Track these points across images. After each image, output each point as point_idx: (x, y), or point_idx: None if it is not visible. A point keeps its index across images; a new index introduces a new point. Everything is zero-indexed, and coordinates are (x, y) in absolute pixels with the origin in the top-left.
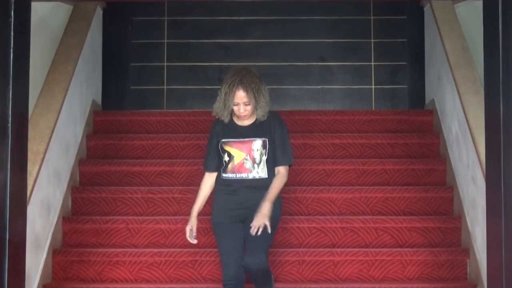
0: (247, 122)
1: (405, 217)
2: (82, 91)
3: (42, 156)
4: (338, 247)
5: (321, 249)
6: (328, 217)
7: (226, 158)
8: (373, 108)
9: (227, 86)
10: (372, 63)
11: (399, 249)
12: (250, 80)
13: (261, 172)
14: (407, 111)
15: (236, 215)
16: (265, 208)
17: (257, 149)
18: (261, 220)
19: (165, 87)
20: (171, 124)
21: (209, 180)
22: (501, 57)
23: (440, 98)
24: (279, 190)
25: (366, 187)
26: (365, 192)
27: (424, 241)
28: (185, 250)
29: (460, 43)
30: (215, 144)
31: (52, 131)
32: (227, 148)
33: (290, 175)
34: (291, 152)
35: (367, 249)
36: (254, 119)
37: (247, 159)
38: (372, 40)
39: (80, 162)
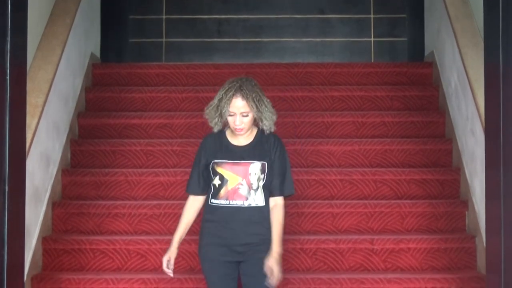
0: (243, 142)
1: (404, 169)
2: (81, 44)
3: (40, 109)
4: (337, 199)
5: (320, 201)
6: (327, 169)
7: (217, 181)
8: (372, 61)
9: (223, 92)
10: (372, 16)
11: (398, 201)
12: (250, 89)
13: (257, 199)
14: (406, 64)
15: (229, 253)
16: (276, 255)
17: (255, 173)
18: (275, 267)
19: (164, 39)
20: (170, 76)
21: (193, 205)
22: (500, 9)
23: (440, 51)
24: (282, 224)
25: (365, 139)
26: (364, 144)
27: (423, 193)
28: (184, 202)
29: None
30: (204, 164)
31: (51, 84)
32: (220, 170)
33: (289, 127)
34: (292, 181)
35: (366, 201)
36: (252, 139)
37: (243, 184)
38: None
39: (79, 115)
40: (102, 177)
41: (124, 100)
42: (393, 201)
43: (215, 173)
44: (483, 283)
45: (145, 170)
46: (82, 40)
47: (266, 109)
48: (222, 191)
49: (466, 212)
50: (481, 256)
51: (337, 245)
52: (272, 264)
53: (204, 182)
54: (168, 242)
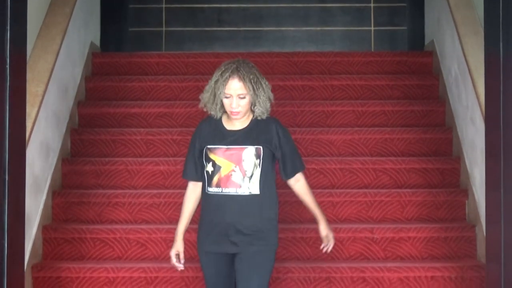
0: (238, 126)
1: (404, 158)
2: (81, 33)
3: (40, 98)
4: (337, 188)
5: (320, 190)
6: (327, 158)
7: (210, 168)
8: (373, 50)
9: (219, 73)
10: (372, 5)
11: (398, 190)
12: (248, 70)
13: (252, 187)
14: (407, 53)
15: (224, 244)
16: (323, 220)
17: (249, 159)
18: (332, 241)
19: (163, 29)
20: (170, 66)
21: (193, 192)
22: None
23: (440, 40)
24: (312, 194)
25: (365, 128)
26: (364, 134)
27: (423, 182)
28: (185, 191)
29: None
30: (198, 149)
31: (51, 73)
32: (212, 156)
33: (289, 116)
34: (300, 157)
35: (366, 190)
36: (248, 123)
37: (236, 170)
38: None
39: (79, 104)
40: (102, 166)
41: (124, 89)
42: (393, 190)
43: (208, 159)
44: (483, 272)
45: (145, 159)
46: (82, 29)
47: (263, 93)
48: (215, 178)
49: (466, 201)
50: (481, 245)
51: (337, 234)
52: (327, 232)
53: (201, 168)
54: (169, 231)
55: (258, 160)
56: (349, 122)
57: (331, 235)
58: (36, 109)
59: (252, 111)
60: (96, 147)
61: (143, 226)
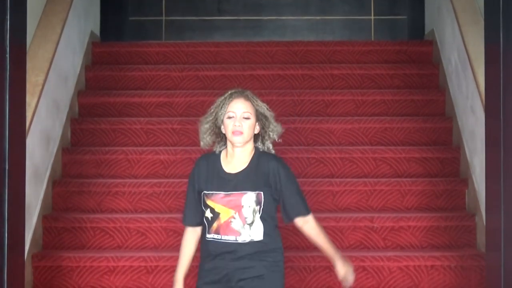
0: (237, 167)
1: (404, 147)
2: (81, 22)
3: (40, 87)
4: (337, 177)
5: (320, 179)
6: (327, 147)
7: (208, 214)
8: (373, 39)
9: (223, 97)
10: None
11: (397, 179)
12: (255, 96)
13: (254, 234)
14: (407, 42)
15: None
16: (345, 265)
17: (249, 206)
18: (351, 277)
19: (163, 18)
20: (170, 55)
21: (191, 236)
22: None
23: (440, 29)
24: (325, 234)
25: (365, 117)
26: (364, 123)
27: (423, 171)
28: (185, 180)
29: None
30: (197, 191)
31: (51, 63)
32: (210, 203)
33: (290, 105)
34: (305, 202)
35: (366, 179)
36: (247, 163)
37: (235, 217)
38: None
39: (79, 93)
40: (102, 155)
41: (124, 79)
42: (393, 179)
43: (206, 206)
44: (483, 261)
45: (145, 148)
46: (82, 19)
47: (271, 122)
48: (215, 225)
49: (466, 190)
50: (480, 234)
51: (337, 223)
52: (345, 270)
53: (201, 212)
54: (169, 221)
55: (259, 207)
56: (349, 111)
57: (350, 271)
58: (36, 98)
59: (254, 147)
60: (96, 137)
61: (143, 216)
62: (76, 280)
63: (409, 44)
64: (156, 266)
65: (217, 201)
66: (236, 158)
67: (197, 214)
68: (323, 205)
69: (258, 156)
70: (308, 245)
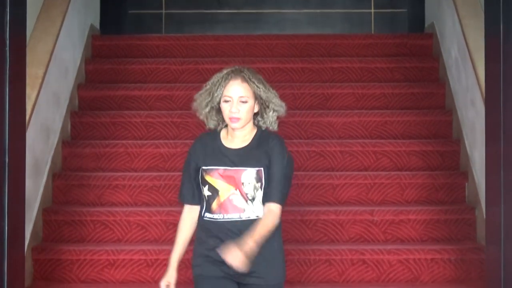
0: (239, 144)
1: (404, 140)
2: (81, 15)
3: (40, 80)
4: (337, 170)
5: (320, 173)
6: (327, 140)
7: (206, 192)
8: (373, 32)
9: (220, 75)
10: None
11: (397, 172)
12: (253, 74)
13: (257, 209)
14: (407, 35)
15: (227, 270)
16: (246, 246)
17: (249, 182)
18: (236, 257)
19: (163, 11)
20: (170, 48)
21: (189, 216)
22: None
23: (440, 22)
24: (268, 230)
25: (365, 111)
26: (364, 116)
27: (422, 164)
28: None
29: None
30: (194, 168)
31: (51, 56)
32: (208, 179)
33: (289, 99)
34: (286, 192)
35: (366, 173)
36: (249, 141)
37: (236, 194)
38: None
39: (79, 86)
40: (102, 148)
41: (124, 72)
42: (393, 173)
43: (204, 182)
44: (483, 254)
45: (145, 141)
46: (82, 11)
47: (273, 99)
48: (214, 204)
49: (466, 184)
50: (480, 227)
51: (337, 216)
52: (232, 253)
53: (198, 190)
54: (169, 214)
55: (259, 183)
56: (349, 104)
57: (236, 255)
58: (36, 91)
59: (256, 125)
60: (96, 130)
61: (143, 209)
62: (76, 273)
63: (409, 37)
64: (156, 260)
65: (216, 177)
66: (236, 136)
67: (194, 192)
68: (323, 198)
69: (261, 134)
70: (308, 239)
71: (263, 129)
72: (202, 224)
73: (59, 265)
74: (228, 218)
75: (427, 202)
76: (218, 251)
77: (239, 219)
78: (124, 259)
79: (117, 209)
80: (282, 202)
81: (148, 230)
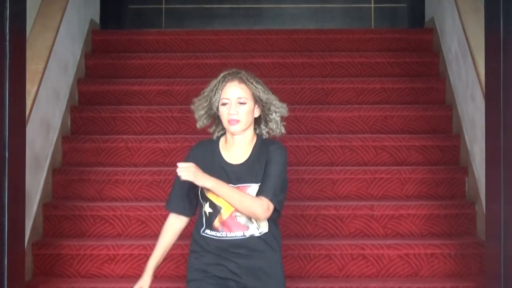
0: (240, 157)
1: (404, 135)
2: (80, 10)
3: (40, 75)
4: (337, 165)
5: (320, 168)
6: (327, 135)
7: (208, 209)
8: (373, 27)
9: (217, 80)
10: None
11: (397, 167)
12: (250, 76)
13: (262, 226)
14: (407, 30)
15: (225, 284)
16: (208, 178)
17: None
18: (190, 167)
19: (163, 6)
20: (169, 43)
21: (174, 226)
22: None
23: (440, 17)
24: (240, 202)
25: (365, 105)
26: (364, 111)
27: (423, 159)
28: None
29: None
30: (189, 182)
31: (50, 51)
32: (210, 196)
33: (289, 93)
34: (280, 192)
35: (366, 167)
36: (250, 153)
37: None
38: None
39: (79, 81)
40: (102, 143)
41: (124, 67)
42: (393, 168)
43: (205, 199)
44: (483, 249)
45: (145, 136)
46: (82, 6)
47: (274, 104)
48: (216, 221)
49: (466, 178)
50: (480, 222)
51: (337, 211)
52: (188, 167)
53: (189, 202)
54: None
55: None
56: (349, 99)
57: (189, 170)
58: (36, 86)
59: (256, 134)
60: (96, 125)
61: (144, 204)
62: (76, 268)
63: (409, 32)
64: None
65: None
66: (236, 146)
67: (182, 202)
68: (323, 193)
69: (261, 144)
70: (308, 233)
71: (263, 138)
72: (199, 239)
73: (59, 260)
74: (231, 237)
75: (427, 197)
76: (179, 164)
77: (243, 237)
78: (124, 254)
79: (117, 204)
80: (274, 201)
81: (148, 225)
